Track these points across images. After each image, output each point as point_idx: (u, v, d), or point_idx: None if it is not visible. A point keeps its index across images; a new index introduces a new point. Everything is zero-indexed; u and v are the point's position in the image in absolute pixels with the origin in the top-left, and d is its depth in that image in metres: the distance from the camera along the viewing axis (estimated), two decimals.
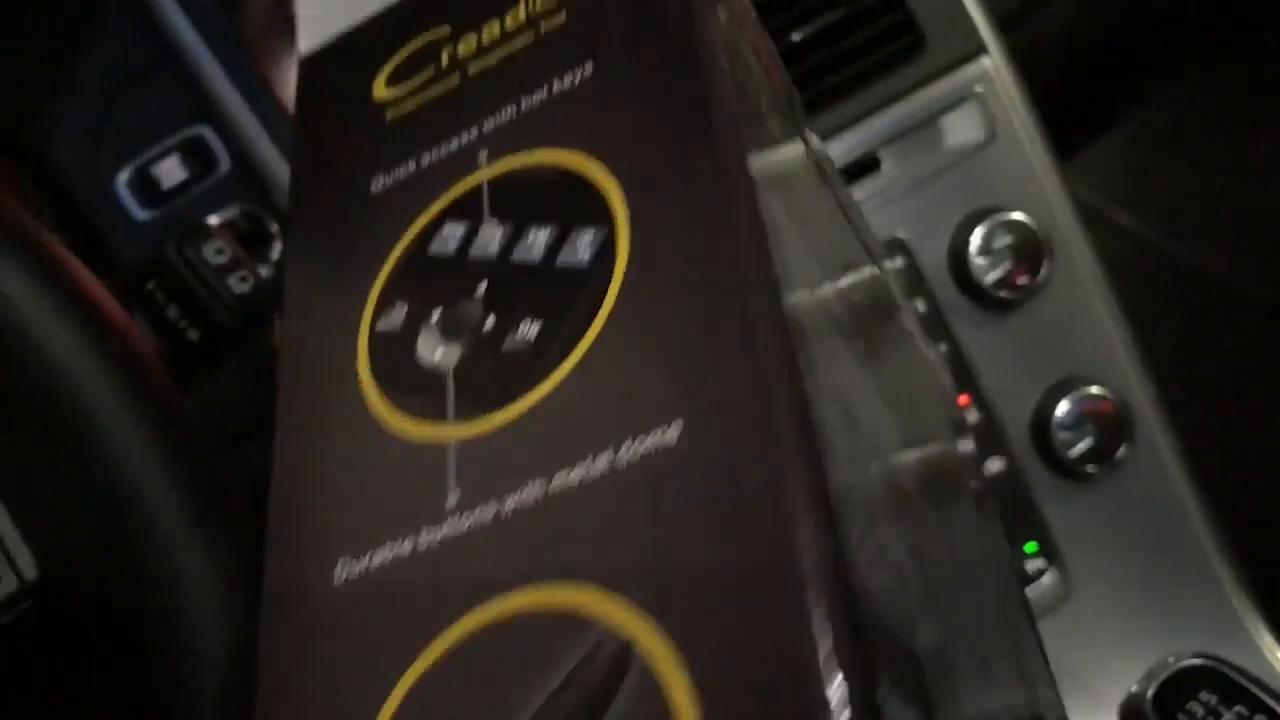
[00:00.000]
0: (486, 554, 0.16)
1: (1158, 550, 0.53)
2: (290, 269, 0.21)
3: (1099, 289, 0.54)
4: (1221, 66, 0.94)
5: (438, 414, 0.17)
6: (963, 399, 0.54)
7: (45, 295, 0.32)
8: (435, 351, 0.18)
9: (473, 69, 0.21)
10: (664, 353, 0.16)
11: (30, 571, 0.33)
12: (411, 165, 0.21)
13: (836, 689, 0.12)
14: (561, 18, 0.21)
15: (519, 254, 0.18)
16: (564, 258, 0.18)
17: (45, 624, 0.33)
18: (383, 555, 0.16)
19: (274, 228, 0.53)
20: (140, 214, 0.54)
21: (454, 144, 0.20)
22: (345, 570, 0.17)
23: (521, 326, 0.17)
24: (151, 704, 0.32)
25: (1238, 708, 0.40)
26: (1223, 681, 0.41)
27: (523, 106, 0.20)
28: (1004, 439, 0.53)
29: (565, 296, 0.17)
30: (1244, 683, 0.40)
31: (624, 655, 0.14)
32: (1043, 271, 0.53)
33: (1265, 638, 0.50)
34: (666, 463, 0.15)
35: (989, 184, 0.53)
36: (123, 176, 0.55)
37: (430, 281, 0.19)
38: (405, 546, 0.16)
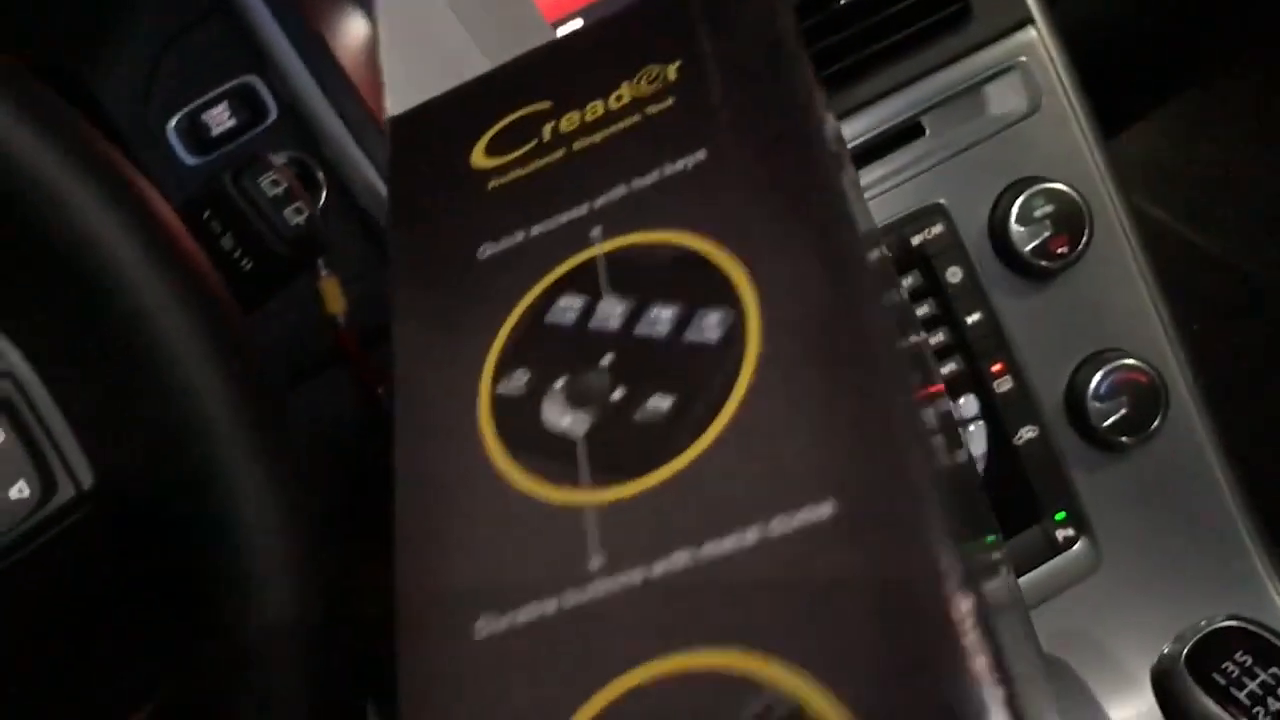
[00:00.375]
0: (639, 616, 0.16)
1: (1188, 521, 0.53)
2: (399, 326, 0.22)
3: (1137, 261, 0.54)
4: (1262, 56, 0.94)
5: (570, 479, 0.18)
6: (996, 367, 0.54)
7: (116, 211, 0.32)
8: (563, 418, 0.19)
9: (577, 145, 0.22)
10: (806, 432, 0.17)
11: (87, 480, 0.33)
12: (520, 235, 0.21)
13: None
14: (669, 103, 0.21)
15: (643, 329, 0.19)
16: (691, 335, 0.18)
17: (101, 532, 0.34)
18: (526, 614, 0.17)
19: (320, 176, 0.54)
20: (189, 160, 0.55)
21: (564, 218, 0.21)
22: (488, 627, 0.17)
23: (653, 399, 0.18)
24: (206, 614, 0.32)
25: (1273, 669, 0.40)
26: (1257, 643, 0.41)
27: (634, 185, 0.21)
28: (1037, 408, 0.54)
29: (697, 372, 0.18)
30: (1279, 644, 0.40)
31: (797, 716, 0.14)
32: (1082, 242, 0.53)
33: None
34: (821, 539, 0.16)
35: (1031, 154, 0.54)
36: (173, 123, 0.55)
37: (550, 350, 0.19)
38: (549, 606, 0.17)
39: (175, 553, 0.33)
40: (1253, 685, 0.40)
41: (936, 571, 0.15)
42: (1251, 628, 0.42)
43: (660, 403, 0.18)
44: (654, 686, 0.15)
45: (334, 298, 0.53)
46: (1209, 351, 0.56)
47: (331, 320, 0.53)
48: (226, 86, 0.55)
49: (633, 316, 0.19)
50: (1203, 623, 0.44)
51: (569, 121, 0.23)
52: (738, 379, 0.17)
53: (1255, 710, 0.39)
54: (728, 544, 0.16)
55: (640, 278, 0.20)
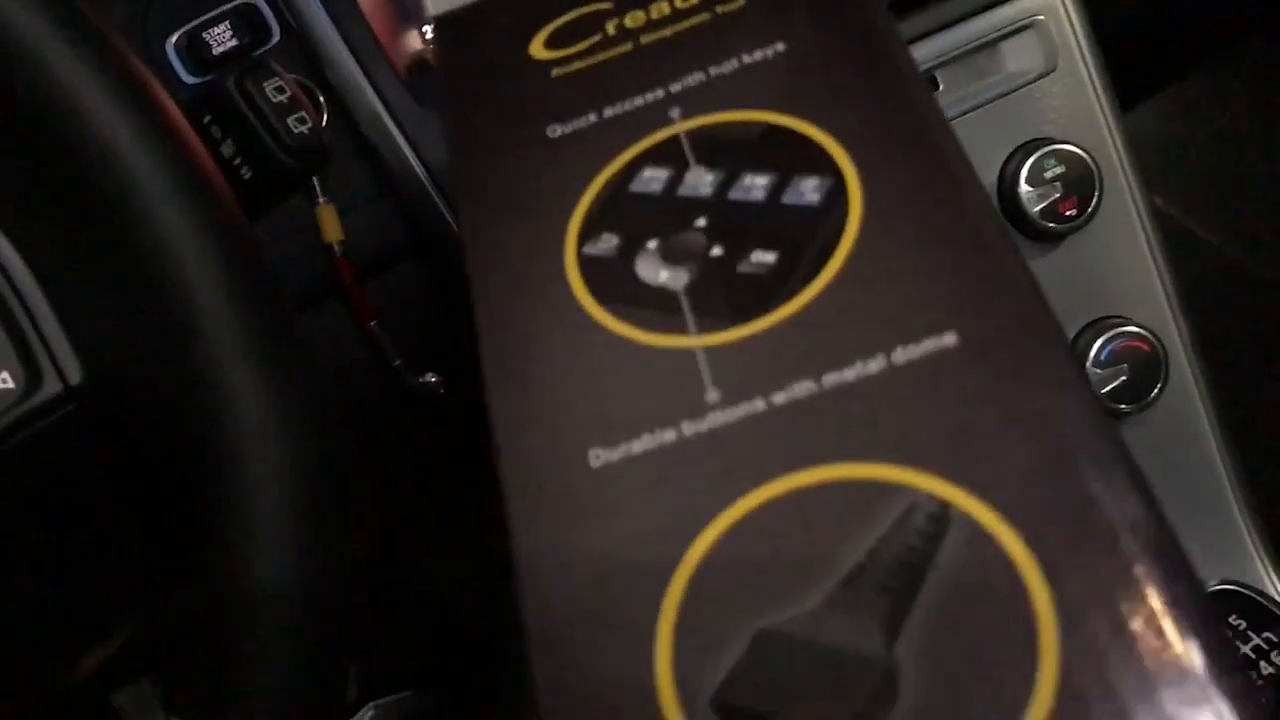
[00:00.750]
0: (766, 438, 0.16)
1: (1181, 491, 0.52)
2: (466, 204, 0.21)
3: (1145, 229, 0.54)
4: (1260, 49, 0.93)
5: (673, 326, 0.18)
6: None
7: (123, 110, 0.31)
8: (659, 274, 0.19)
9: (645, 39, 0.23)
10: (919, 274, 0.18)
11: (75, 375, 0.32)
12: (592, 116, 0.22)
13: (1136, 518, 0.15)
14: (740, 3, 0.22)
15: (737, 194, 0.20)
16: (789, 199, 0.19)
17: (89, 433, 0.33)
18: (643, 444, 0.17)
19: (323, 101, 0.53)
20: (189, 79, 0.54)
21: (638, 100, 0.22)
22: (601, 458, 0.17)
23: (755, 254, 0.19)
24: (201, 517, 0.31)
25: (1266, 633, 0.40)
26: (1251, 607, 0.41)
27: (712, 73, 0.22)
28: None
29: (800, 229, 0.19)
30: (1273, 608, 0.40)
31: (943, 513, 0.15)
32: (1091, 206, 0.53)
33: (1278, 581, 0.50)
34: (950, 363, 0.16)
35: (1045, 114, 0.53)
36: (172, 40, 0.54)
37: (639, 215, 0.20)
38: (668, 435, 0.17)
39: (166, 461, 0.32)
40: (1246, 649, 0.40)
41: (1069, 381, 0.16)
42: (1245, 592, 0.42)
43: (764, 256, 0.19)
44: (787, 499, 0.16)
45: (331, 226, 0.52)
46: (1199, 345, 0.56)
47: (328, 249, 0.53)
48: (228, 5, 0.54)
49: (724, 185, 0.20)
50: None
51: (634, 19, 0.23)
52: (844, 233, 0.18)
53: (1249, 673, 0.39)
54: (849, 374, 0.17)
55: (728, 151, 0.20)
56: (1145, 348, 0.53)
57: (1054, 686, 0.13)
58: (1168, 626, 0.14)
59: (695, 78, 0.22)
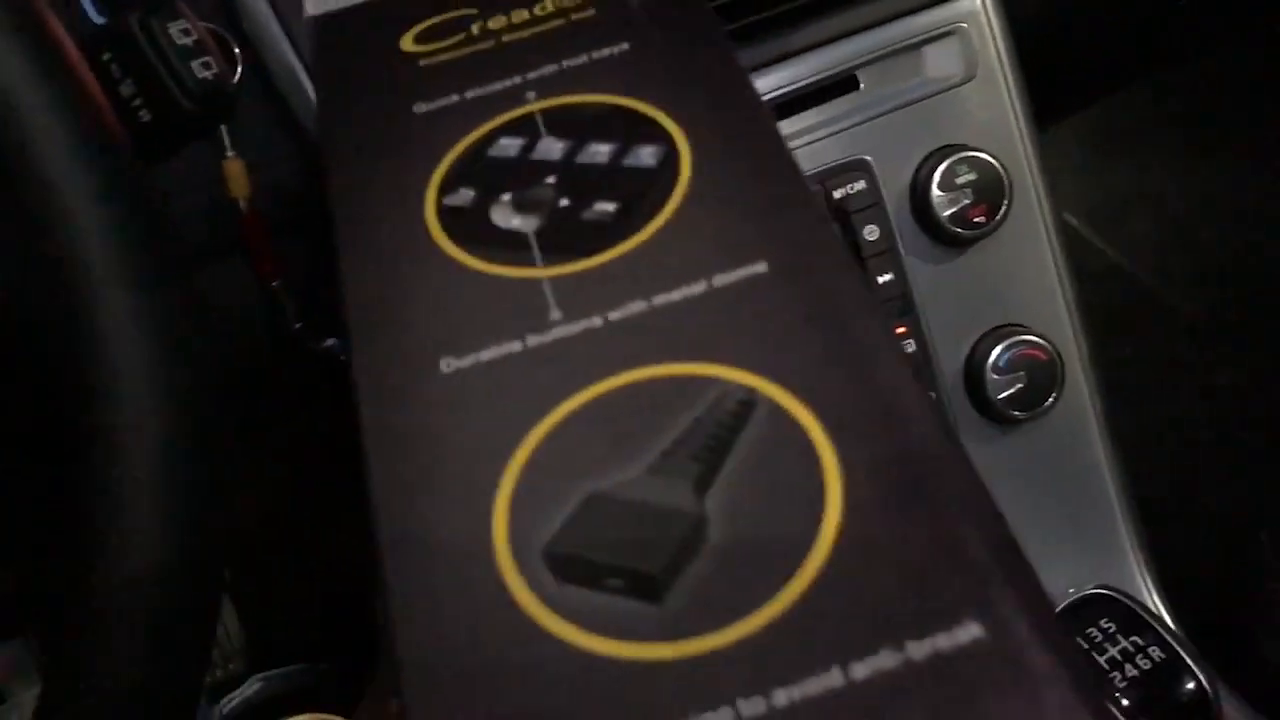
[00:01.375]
0: (599, 347, 0.19)
1: (1067, 497, 0.54)
2: (334, 168, 0.23)
3: (1050, 241, 0.55)
4: (1187, 78, 0.96)
5: (525, 261, 0.20)
6: (901, 330, 0.54)
7: (18, 51, 0.30)
8: (512, 219, 0.21)
9: (507, 38, 0.25)
10: (738, 217, 0.20)
11: None
12: (455, 97, 0.24)
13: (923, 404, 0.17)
14: (591, 12, 0.25)
15: (583, 158, 0.22)
16: (629, 162, 0.22)
17: None
18: (491, 353, 0.19)
19: (238, 53, 0.52)
20: (98, 19, 0.52)
21: (498, 85, 0.24)
22: (452, 365, 0.19)
23: (598, 204, 0.21)
24: (84, 484, 0.30)
25: (1134, 637, 0.41)
26: (1122, 611, 0.42)
27: (565, 65, 0.24)
28: (936, 375, 0.54)
29: (638, 183, 0.21)
30: (1142, 613, 0.41)
31: (750, 396, 0.17)
32: (999, 214, 0.53)
33: (1154, 590, 0.52)
34: (761, 285, 0.19)
35: (961, 121, 0.54)
36: None
37: (494, 174, 0.22)
38: (514, 346, 0.19)
39: (40, 400, 0.31)
40: (1114, 651, 0.41)
41: (862, 292, 0.19)
42: (1117, 596, 0.43)
43: (605, 206, 0.21)
44: (619, 391, 0.18)
45: (238, 180, 0.51)
46: (1104, 359, 0.58)
47: (233, 204, 0.51)
48: None
49: (572, 151, 0.22)
50: (1071, 590, 0.45)
51: (496, 22, 0.26)
52: (674, 189, 0.21)
53: (1112, 675, 0.40)
54: (676, 294, 0.19)
55: (576, 124, 0.23)
56: (1043, 357, 0.54)
57: (837, 527, 0.16)
58: (921, 470, 0.16)
59: (550, 68, 0.24)
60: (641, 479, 0.17)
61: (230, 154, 0.51)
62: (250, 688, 0.79)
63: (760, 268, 0.19)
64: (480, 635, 0.15)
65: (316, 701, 0.78)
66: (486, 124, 0.23)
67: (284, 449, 0.65)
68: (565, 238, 0.21)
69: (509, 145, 0.23)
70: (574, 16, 0.25)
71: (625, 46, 0.24)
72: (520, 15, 0.26)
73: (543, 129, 0.23)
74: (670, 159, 0.22)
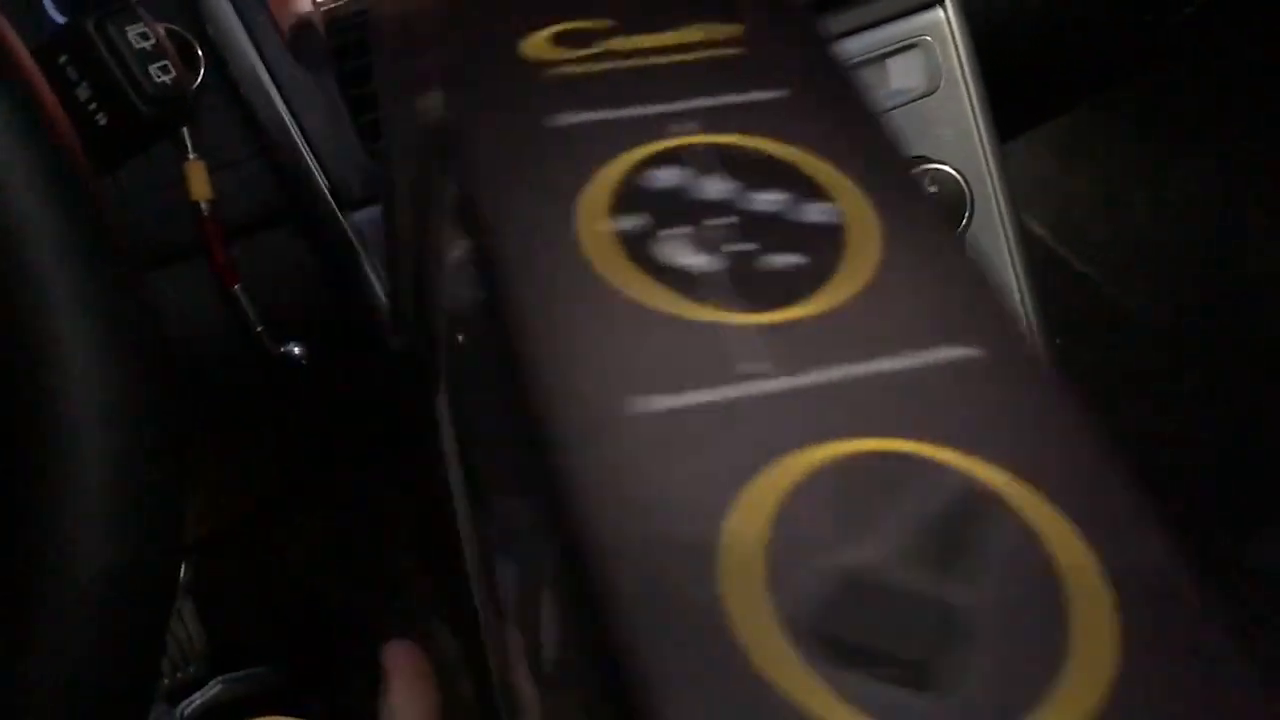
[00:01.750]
0: (805, 410, 0.17)
1: None
2: (475, 181, 0.22)
3: (1011, 255, 0.55)
4: (1146, 90, 0.97)
5: (707, 300, 0.19)
6: None
7: None
8: (686, 257, 0.20)
9: (652, 60, 0.24)
10: (941, 291, 0.19)
11: None
12: (598, 113, 0.22)
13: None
14: (743, 50, 0.24)
15: (754, 205, 0.21)
16: (806, 214, 0.20)
17: None
18: (683, 400, 0.18)
19: (200, 55, 0.51)
20: (60, 19, 0.52)
21: (645, 109, 0.22)
22: (637, 408, 0.17)
23: (784, 255, 0.20)
24: (27, 465, 0.30)
25: None
26: None
27: (719, 100, 0.23)
28: None
29: (823, 238, 0.20)
30: None
31: (985, 491, 0.16)
32: (960, 227, 0.54)
33: None
34: (977, 367, 0.18)
35: (924, 133, 0.54)
36: None
37: (658, 204, 0.21)
38: (704, 396, 0.18)
39: None
40: None
41: (1064, 388, 0.18)
42: None
43: (789, 258, 0.20)
44: (833, 464, 0.17)
45: (199, 183, 0.50)
46: (1066, 368, 0.58)
47: (194, 207, 0.51)
48: None
49: (741, 194, 0.21)
50: None
51: (636, 41, 0.24)
52: (867, 249, 0.20)
53: None
54: (882, 364, 0.18)
55: (740, 168, 0.21)
56: None
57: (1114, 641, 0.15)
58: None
59: (702, 101, 0.23)
60: (897, 561, 0.16)
61: (192, 156, 0.50)
62: (211, 690, 0.79)
63: (975, 352, 0.18)
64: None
65: (278, 704, 0.77)
66: (641, 148, 0.22)
67: (243, 452, 0.65)
68: (750, 285, 0.19)
69: (669, 176, 0.21)
70: (723, 52, 0.24)
71: (784, 93, 0.23)
72: (663, 39, 0.24)
73: (703, 164, 0.22)
74: (845, 220, 0.21)
